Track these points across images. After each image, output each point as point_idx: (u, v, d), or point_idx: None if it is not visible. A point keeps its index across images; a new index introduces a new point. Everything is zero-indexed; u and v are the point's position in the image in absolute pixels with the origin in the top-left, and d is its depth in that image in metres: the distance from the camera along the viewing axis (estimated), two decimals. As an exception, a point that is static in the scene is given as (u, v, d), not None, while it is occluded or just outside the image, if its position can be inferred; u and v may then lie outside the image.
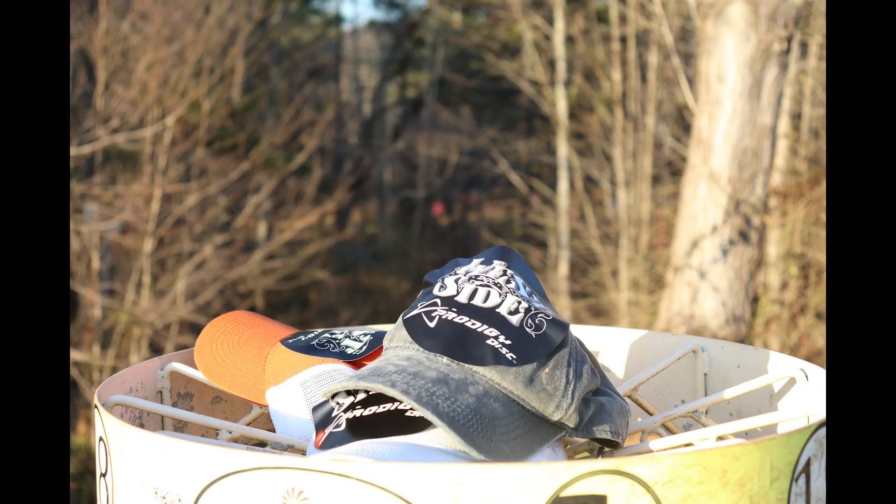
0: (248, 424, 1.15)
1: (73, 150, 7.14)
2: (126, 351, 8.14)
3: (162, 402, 1.15)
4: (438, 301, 0.92)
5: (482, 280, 0.94)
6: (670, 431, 1.13)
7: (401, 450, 0.82)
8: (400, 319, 0.93)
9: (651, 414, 1.16)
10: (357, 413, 0.87)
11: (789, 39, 3.78)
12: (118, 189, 8.32)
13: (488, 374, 0.87)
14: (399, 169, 15.48)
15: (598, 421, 0.93)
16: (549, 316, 0.92)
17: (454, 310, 0.91)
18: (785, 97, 5.08)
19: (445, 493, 0.71)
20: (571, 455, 1.04)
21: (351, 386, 0.85)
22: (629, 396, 1.16)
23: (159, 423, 1.14)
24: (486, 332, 0.89)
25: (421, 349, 0.89)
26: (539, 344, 0.90)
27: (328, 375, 1.09)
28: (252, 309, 10.57)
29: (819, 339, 5.07)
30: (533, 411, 0.88)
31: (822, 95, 5.51)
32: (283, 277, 10.11)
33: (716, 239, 3.87)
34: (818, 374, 1.04)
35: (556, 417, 0.88)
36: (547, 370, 0.89)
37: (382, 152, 14.74)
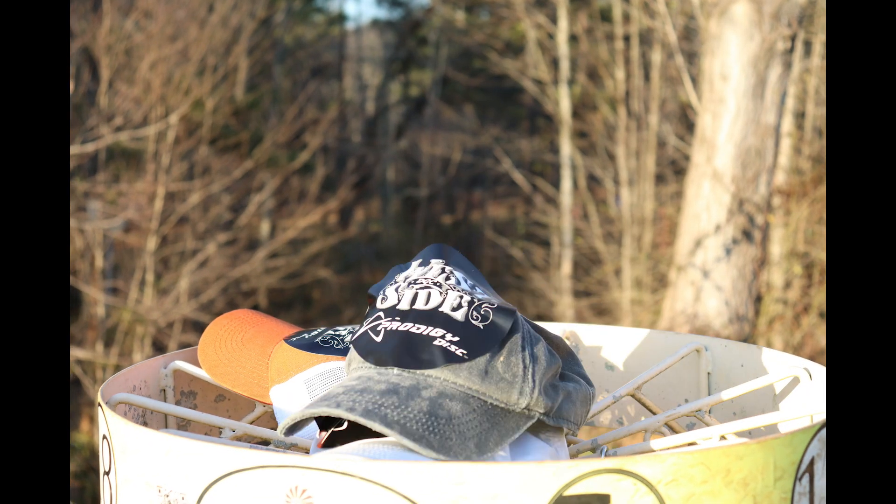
0: (251, 423, 1.15)
1: (77, 149, 7.15)
2: (129, 349, 8.16)
3: (165, 401, 1.15)
4: (382, 314, 0.92)
5: (421, 283, 0.93)
6: (673, 431, 1.12)
7: (402, 450, 0.82)
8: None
9: (654, 413, 1.16)
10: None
11: (793, 38, 3.77)
12: (121, 187, 8.33)
13: (442, 375, 0.86)
14: (402, 167, 15.48)
15: (565, 409, 0.93)
16: (493, 304, 0.91)
17: (397, 319, 0.90)
18: (788, 96, 5.08)
19: (448, 491, 0.71)
20: (575, 454, 1.04)
21: (299, 416, 0.84)
22: (632, 395, 1.16)
23: (163, 422, 1.14)
24: (431, 333, 0.88)
25: (372, 366, 0.88)
26: (488, 334, 0.89)
27: (332, 374, 1.09)
28: (255, 307, 10.57)
29: (823, 338, 5.07)
30: (496, 403, 0.87)
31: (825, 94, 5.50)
32: (286, 276, 10.12)
33: (719, 238, 3.87)
34: (821, 374, 1.04)
35: (522, 404, 0.88)
36: (501, 359, 0.88)
37: (385, 151, 14.74)
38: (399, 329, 0.89)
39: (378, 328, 0.90)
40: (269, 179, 10.34)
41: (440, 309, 0.90)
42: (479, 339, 0.88)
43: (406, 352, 0.87)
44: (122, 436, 0.83)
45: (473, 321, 0.89)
